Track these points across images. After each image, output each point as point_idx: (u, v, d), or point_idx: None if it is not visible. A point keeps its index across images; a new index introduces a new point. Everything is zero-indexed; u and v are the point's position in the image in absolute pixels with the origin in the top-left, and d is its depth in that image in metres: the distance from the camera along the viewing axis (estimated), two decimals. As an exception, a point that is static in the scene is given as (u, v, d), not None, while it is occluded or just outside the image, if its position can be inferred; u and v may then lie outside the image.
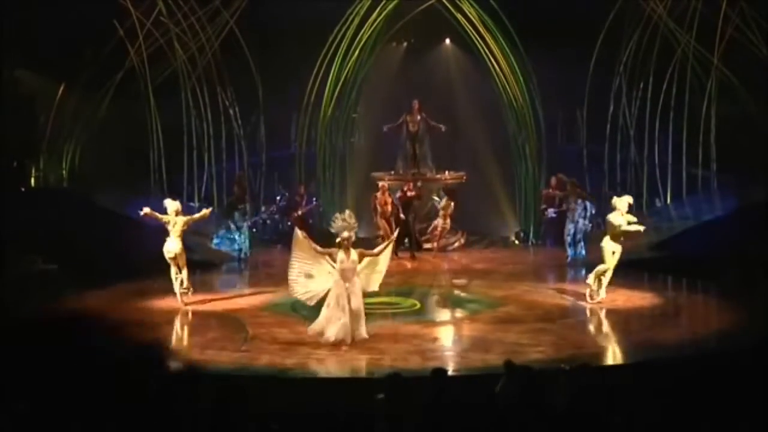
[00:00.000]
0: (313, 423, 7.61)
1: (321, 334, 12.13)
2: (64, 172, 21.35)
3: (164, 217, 15.03)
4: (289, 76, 21.51)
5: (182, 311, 14.76)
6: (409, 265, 18.99)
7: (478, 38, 21.11)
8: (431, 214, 20.64)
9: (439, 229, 19.82)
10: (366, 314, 12.36)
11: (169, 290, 16.08)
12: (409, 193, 19.96)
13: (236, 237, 19.61)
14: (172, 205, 15.19)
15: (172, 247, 15.02)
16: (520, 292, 15.99)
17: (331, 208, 22.20)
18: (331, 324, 12.03)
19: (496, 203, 22.41)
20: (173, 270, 15.07)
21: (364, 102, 22.81)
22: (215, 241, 19.80)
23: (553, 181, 20.85)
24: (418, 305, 15.02)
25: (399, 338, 12.63)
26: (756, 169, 19.12)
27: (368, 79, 22.29)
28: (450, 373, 9.76)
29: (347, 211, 12.37)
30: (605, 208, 21.29)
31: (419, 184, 20.31)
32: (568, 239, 19.02)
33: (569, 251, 18.98)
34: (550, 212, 20.59)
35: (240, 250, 19.59)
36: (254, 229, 20.89)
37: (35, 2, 19.02)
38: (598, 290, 14.80)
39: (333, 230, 12.44)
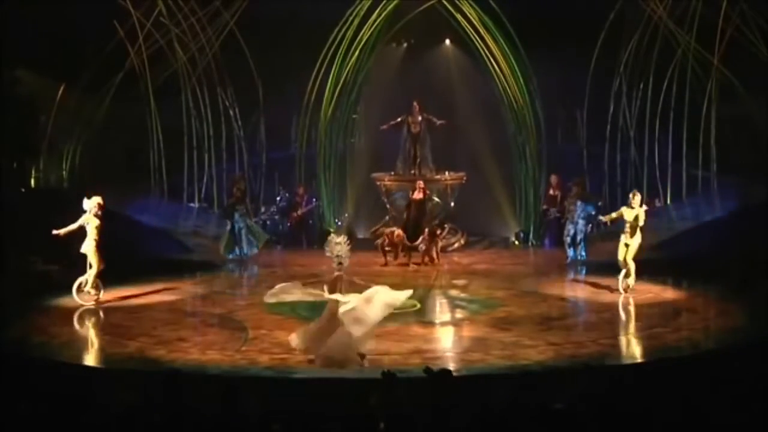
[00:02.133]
0: (314, 423, 7.60)
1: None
2: (64, 172, 21.36)
3: (84, 219, 14.87)
4: (289, 77, 21.52)
5: (182, 312, 14.74)
6: (411, 267, 18.97)
7: (478, 39, 21.13)
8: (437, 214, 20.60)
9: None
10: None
11: (168, 290, 16.15)
12: (416, 195, 19.88)
13: (236, 238, 19.61)
14: (92, 201, 14.97)
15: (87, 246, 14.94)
16: (520, 293, 15.99)
17: (331, 209, 22.29)
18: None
19: (496, 204, 22.41)
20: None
21: (364, 102, 22.81)
22: (228, 253, 19.67)
23: (554, 180, 20.87)
24: (418, 306, 15.01)
25: (399, 339, 12.62)
26: (756, 170, 19.11)
27: (368, 80, 22.30)
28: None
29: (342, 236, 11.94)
30: (605, 209, 21.44)
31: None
32: (568, 240, 19.02)
33: (569, 252, 18.98)
34: (553, 212, 20.60)
35: (241, 251, 19.58)
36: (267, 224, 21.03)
37: (36, 2, 19.03)
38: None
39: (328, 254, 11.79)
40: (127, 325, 13.63)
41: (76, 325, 13.71)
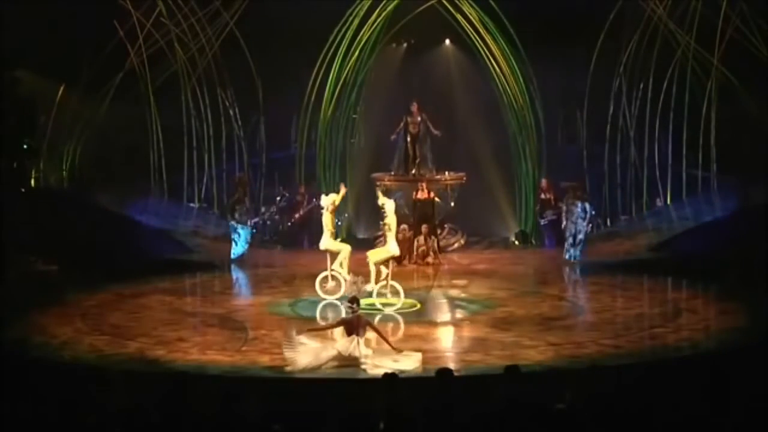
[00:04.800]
0: (314, 423, 7.61)
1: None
2: (64, 172, 21.36)
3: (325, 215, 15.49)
4: (289, 77, 21.52)
5: (182, 312, 14.71)
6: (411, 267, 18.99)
7: (478, 39, 21.14)
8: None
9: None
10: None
11: (167, 290, 16.15)
12: (421, 195, 19.83)
13: (235, 238, 19.58)
14: (329, 198, 15.56)
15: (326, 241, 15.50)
16: (520, 293, 15.99)
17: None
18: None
19: (496, 204, 22.41)
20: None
21: (364, 103, 22.81)
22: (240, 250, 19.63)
23: (544, 183, 20.85)
24: (419, 306, 15.02)
25: (399, 339, 12.62)
26: (756, 170, 19.11)
27: (368, 80, 22.30)
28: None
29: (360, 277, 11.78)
30: (605, 209, 21.46)
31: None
32: (570, 240, 18.99)
33: (569, 252, 18.94)
34: (549, 214, 20.53)
35: (243, 251, 19.56)
36: (254, 230, 20.82)
37: (36, 3, 19.03)
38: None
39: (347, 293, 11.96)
40: (127, 326, 13.63)
41: (76, 326, 13.67)
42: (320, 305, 14.87)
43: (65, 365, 11.48)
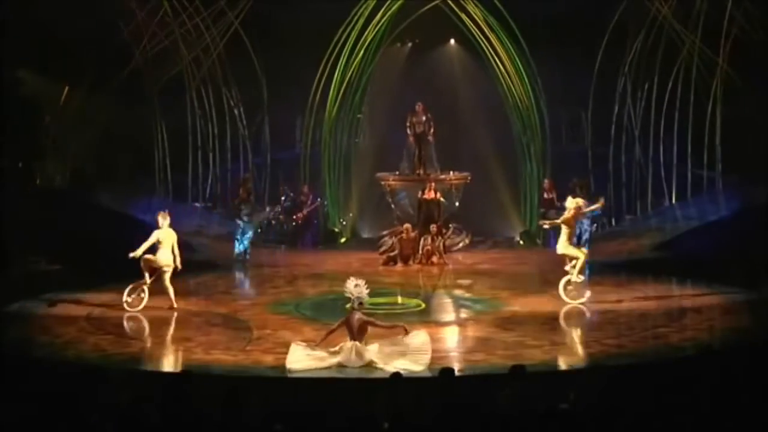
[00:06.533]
0: (316, 423, 7.59)
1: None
2: (68, 172, 21.37)
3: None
4: (293, 77, 21.52)
5: (185, 311, 14.71)
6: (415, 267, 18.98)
7: (483, 39, 21.13)
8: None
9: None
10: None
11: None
12: (428, 194, 19.82)
13: (238, 237, 19.58)
14: (573, 202, 15.24)
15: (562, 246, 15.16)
16: (525, 293, 15.96)
17: (336, 208, 22.28)
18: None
19: (501, 204, 22.39)
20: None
21: (368, 102, 22.81)
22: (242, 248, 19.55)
23: (547, 184, 20.82)
24: (423, 306, 15.02)
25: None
26: (760, 170, 19.07)
27: (373, 80, 22.29)
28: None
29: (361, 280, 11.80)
30: (610, 208, 21.43)
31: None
32: (574, 240, 18.93)
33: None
34: (552, 214, 20.45)
35: (244, 251, 19.54)
36: (259, 230, 20.83)
37: (39, 2, 19.05)
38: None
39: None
40: (130, 325, 13.62)
41: (80, 325, 13.67)
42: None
43: (68, 364, 11.47)
